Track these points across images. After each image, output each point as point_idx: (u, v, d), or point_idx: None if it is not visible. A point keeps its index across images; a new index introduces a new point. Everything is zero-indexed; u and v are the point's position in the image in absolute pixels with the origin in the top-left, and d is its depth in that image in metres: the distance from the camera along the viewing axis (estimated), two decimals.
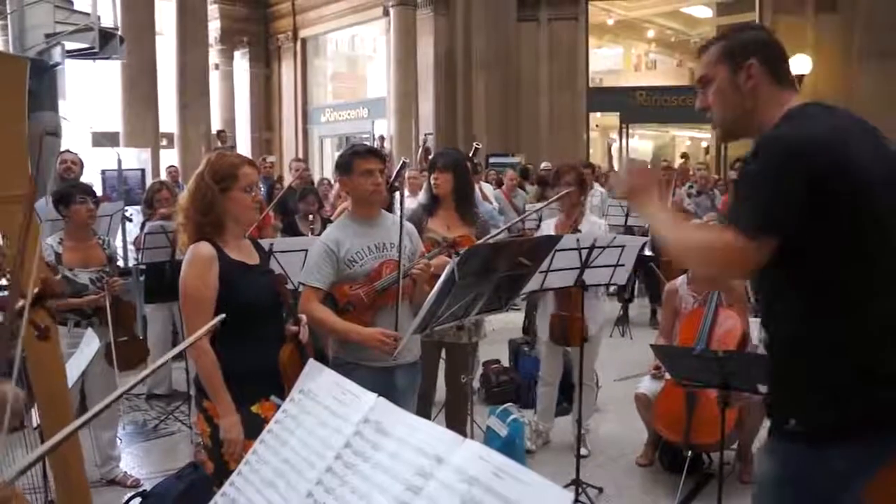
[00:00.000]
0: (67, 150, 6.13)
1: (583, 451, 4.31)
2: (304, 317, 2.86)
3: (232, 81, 20.93)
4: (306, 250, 3.50)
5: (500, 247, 2.96)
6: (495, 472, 0.98)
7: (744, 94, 1.98)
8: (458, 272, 2.52)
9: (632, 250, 3.99)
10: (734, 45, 2.00)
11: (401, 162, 4.15)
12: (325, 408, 1.31)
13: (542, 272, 3.56)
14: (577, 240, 3.78)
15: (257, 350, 2.69)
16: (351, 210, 3.28)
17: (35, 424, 2.76)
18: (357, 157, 3.17)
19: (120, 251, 5.77)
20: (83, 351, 3.14)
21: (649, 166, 2.23)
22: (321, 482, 1.18)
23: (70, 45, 9.22)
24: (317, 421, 1.30)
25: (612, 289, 8.73)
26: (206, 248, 2.66)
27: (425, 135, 11.82)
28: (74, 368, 3.02)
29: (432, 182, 3.95)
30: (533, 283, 3.54)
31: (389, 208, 3.64)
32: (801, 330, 1.90)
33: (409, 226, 3.25)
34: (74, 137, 10.15)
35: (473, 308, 2.84)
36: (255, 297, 2.71)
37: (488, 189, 8.12)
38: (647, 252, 7.87)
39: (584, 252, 3.77)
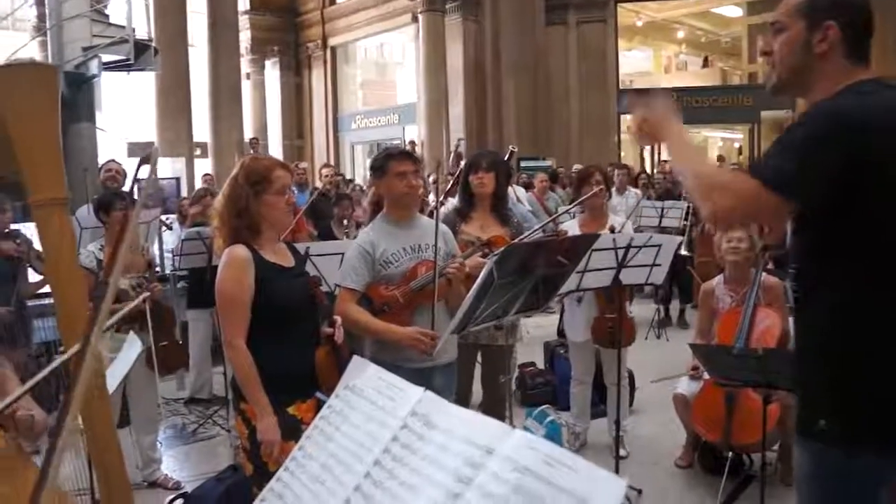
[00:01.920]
0: (112, 160, 6.22)
1: (621, 453, 4.28)
2: (339, 318, 2.88)
3: (263, 90, 21.17)
4: (342, 254, 3.52)
5: (539, 245, 2.96)
6: (546, 460, 0.98)
7: (812, 55, 1.86)
8: (497, 271, 2.52)
9: (668, 249, 3.96)
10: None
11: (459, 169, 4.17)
12: (370, 403, 1.32)
13: (578, 272, 3.55)
14: (614, 239, 3.76)
15: (293, 352, 2.72)
16: (386, 212, 3.30)
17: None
18: (391, 160, 3.19)
19: (157, 258, 5.86)
20: (126, 353, 3.18)
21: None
22: (369, 475, 1.19)
23: (106, 58, 9.39)
24: (363, 416, 1.31)
25: (646, 290, 8.75)
26: (241, 250, 2.68)
27: (458, 140, 11.83)
28: (118, 371, 3.07)
29: (475, 182, 3.95)
30: (570, 284, 3.53)
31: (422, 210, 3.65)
32: (831, 326, 1.85)
33: (443, 227, 3.25)
34: (110, 148, 10.30)
35: (512, 307, 2.84)
36: (290, 299, 2.74)
37: (521, 192, 8.11)
38: (683, 251, 7.84)
39: (621, 252, 3.75)
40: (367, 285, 3.12)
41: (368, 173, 11.60)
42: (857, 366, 1.82)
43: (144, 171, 1.66)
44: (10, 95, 1.84)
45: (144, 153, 1.64)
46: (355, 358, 1.40)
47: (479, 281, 2.59)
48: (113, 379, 3.02)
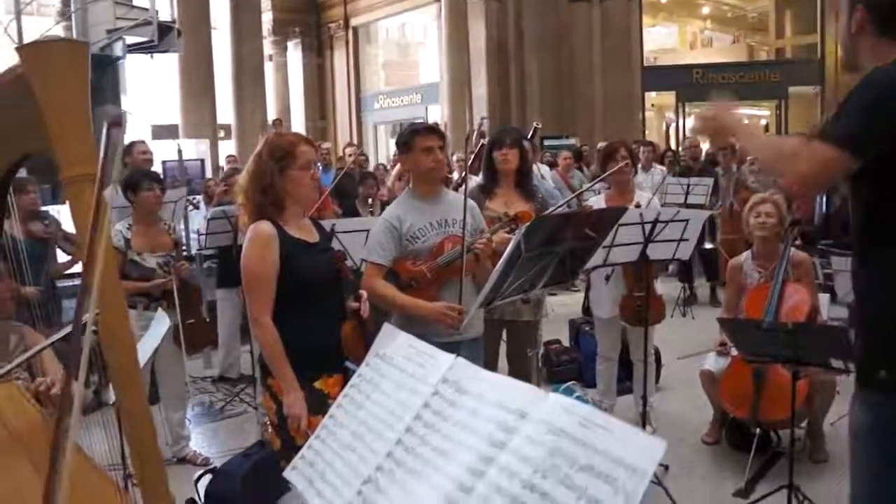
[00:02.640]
0: (143, 142, 6.27)
1: (647, 429, 4.26)
2: (364, 293, 2.88)
3: (286, 72, 21.19)
4: (368, 230, 3.52)
5: (567, 218, 2.94)
6: (582, 422, 0.98)
7: (851, 35, 2.00)
8: (525, 244, 2.50)
9: (696, 224, 3.91)
10: None
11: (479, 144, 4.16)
12: (401, 370, 1.32)
13: (605, 247, 3.52)
14: (641, 214, 3.72)
15: (319, 327, 2.72)
16: (412, 187, 3.29)
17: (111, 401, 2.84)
18: (417, 135, 3.17)
19: (184, 237, 5.89)
20: (154, 330, 3.21)
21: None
22: (401, 442, 1.19)
23: (130, 40, 9.45)
24: (394, 383, 1.31)
25: (671, 269, 8.69)
26: (266, 226, 2.69)
27: (481, 118, 11.76)
28: (147, 346, 3.10)
29: (499, 158, 3.93)
30: (596, 258, 3.51)
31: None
32: (891, 278, 1.89)
33: (470, 202, 3.24)
34: (135, 131, 10.38)
35: (539, 281, 2.82)
36: (315, 274, 2.74)
37: (545, 170, 8.06)
38: (707, 245, 7.78)
39: (648, 227, 3.72)
40: (393, 260, 3.12)
41: (392, 153, 11.61)
42: None
43: (116, 137, 1.66)
44: (42, 72, 1.85)
45: (115, 120, 1.63)
46: (385, 325, 1.40)
47: (506, 254, 2.58)
48: (142, 355, 3.05)
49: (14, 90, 1.90)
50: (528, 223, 2.69)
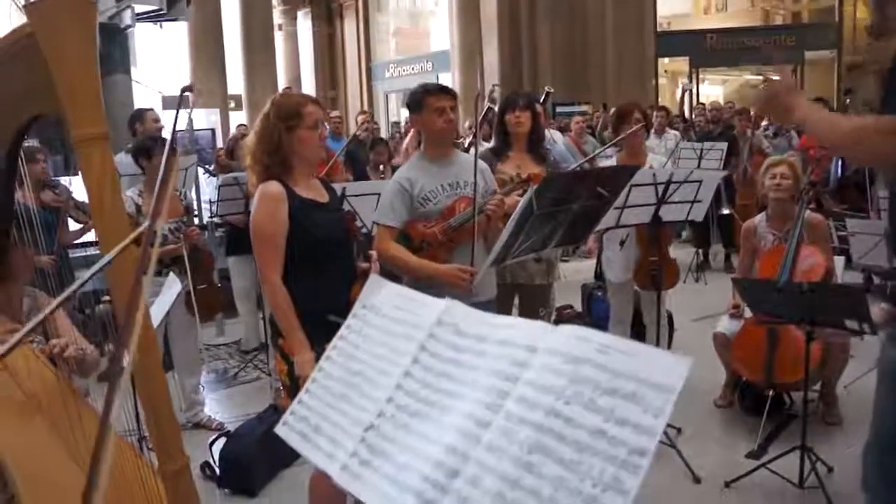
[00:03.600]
0: (152, 110, 6.25)
1: None
2: (374, 253, 2.87)
3: (296, 41, 21.05)
4: (378, 194, 3.50)
5: (579, 176, 2.91)
6: (600, 349, 0.96)
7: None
8: (537, 201, 2.48)
9: (709, 186, 3.86)
10: None
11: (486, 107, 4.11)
12: (391, 319, 1.30)
13: (617, 208, 3.49)
14: (654, 175, 3.68)
15: (329, 287, 2.71)
16: (423, 149, 3.26)
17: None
18: (429, 95, 3.13)
19: (194, 204, 5.89)
20: (165, 294, 3.22)
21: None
22: (400, 387, 1.18)
23: (139, 8, 9.37)
24: (384, 331, 1.29)
25: (684, 235, 8.65)
26: (274, 186, 2.67)
27: (493, 86, 11.66)
28: (159, 309, 3.11)
29: (512, 121, 3.89)
30: (609, 220, 3.47)
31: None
32: None
33: (482, 164, 3.21)
34: (146, 101, 10.35)
35: (551, 240, 2.80)
36: (325, 234, 2.73)
37: (557, 136, 7.99)
38: (725, 211, 7.73)
39: (661, 188, 3.67)
40: (405, 222, 3.10)
41: (403, 121, 11.54)
42: None
43: (182, 117, 1.64)
44: (49, 30, 1.82)
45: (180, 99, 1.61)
46: (372, 276, 1.39)
47: (518, 211, 2.55)
48: (154, 318, 3.06)
49: (22, 50, 1.88)
50: (540, 179, 2.66)
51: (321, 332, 2.68)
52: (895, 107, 1.82)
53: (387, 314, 1.32)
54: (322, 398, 1.30)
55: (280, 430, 1.35)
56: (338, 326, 2.67)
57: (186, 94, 1.55)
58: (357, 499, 1.13)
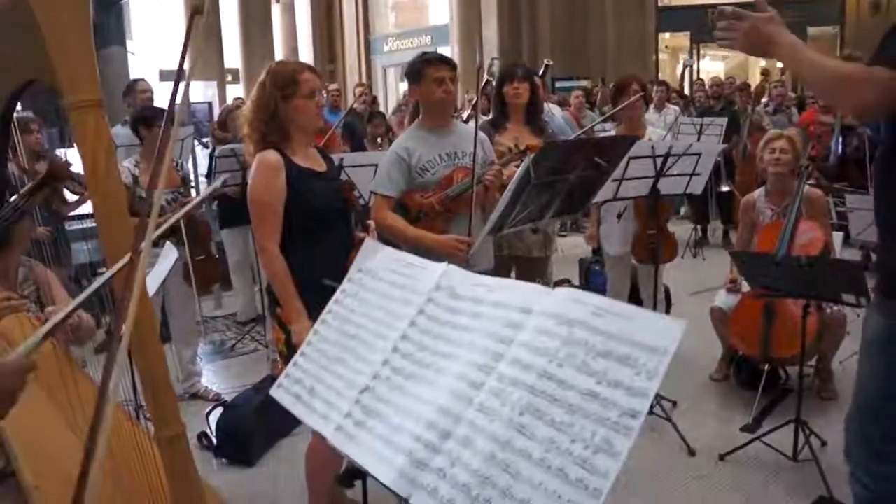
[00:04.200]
0: (142, 80, 6.19)
1: None
2: (372, 223, 2.85)
3: (293, 14, 20.83)
4: (376, 165, 3.48)
5: (577, 144, 2.89)
6: (595, 312, 0.96)
7: None
8: (534, 170, 2.46)
9: (708, 158, 3.84)
10: None
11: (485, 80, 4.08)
12: (388, 283, 1.30)
13: (615, 180, 3.47)
14: (653, 147, 3.65)
15: (327, 256, 2.70)
16: (421, 119, 3.24)
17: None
18: (428, 65, 3.11)
19: (191, 175, 5.85)
20: (162, 263, 3.21)
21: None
22: (397, 350, 1.18)
23: None
24: (381, 295, 1.29)
25: (682, 211, 8.64)
26: (272, 155, 2.65)
27: (492, 59, 11.60)
28: (156, 278, 3.10)
29: (510, 92, 3.87)
30: (606, 192, 3.46)
31: None
32: None
33: (481, 135, 3.19)
34: (142, 75, 10.28)
35: (548, 210, 2.79)
36: (323, 203, 2.71)
37: (556, 110, 7.94)
38: (724, 188, 7.71)
39: (659, 160, 3.65)
40: (402, 192, 3.09)
41: (402, 95, 11.44)
42: None
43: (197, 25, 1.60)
44: None
45: (197, 8, 1.57)
46: (367, 241, 1.38)
47: (515, 180, 2.54)
48: (151, 288, 3.05)
49: (15, 14, 1.85)
50: (538, 148, 2.64)
51: (318, 300, 2.68)
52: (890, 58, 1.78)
53: (384, 278, 1.32)
54: (317, 361, 1.30)
55: (275, 392, 1.35)
56: (333, 292, 2.68)
57: (196, 17, 1.50)
58: (350, 461, 1.13)
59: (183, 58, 1.36)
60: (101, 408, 0.91)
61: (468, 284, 1.16)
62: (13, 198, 1.84)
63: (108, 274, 1.40)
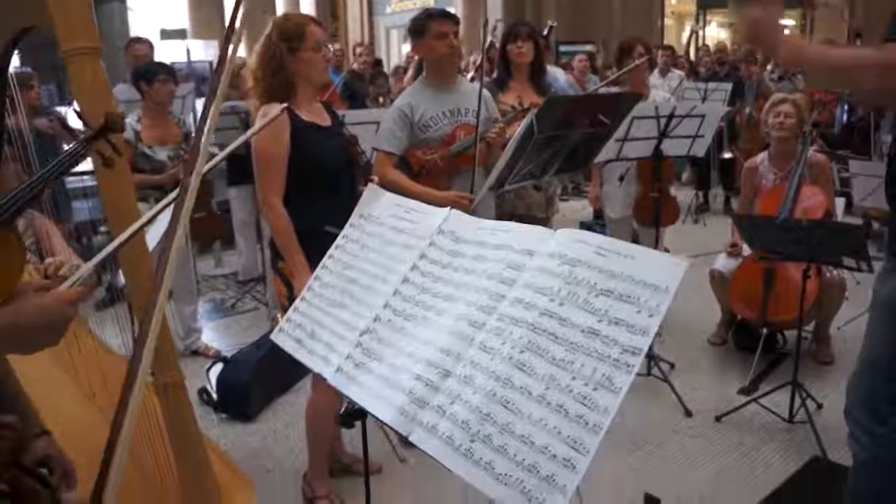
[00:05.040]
0: (138, 38, 6.12)
1: None
2: (376, 177, 2.84)
3: None
4: (377, 123, 3.46)
5: (581, 100, 2.86)
6: (597, 251, 0.96)
7: None
8: (538, 125, 2.44)
9: (712, 120, 3.82)
10: None
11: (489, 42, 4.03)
12: (390, 228, 1.29)
13: (618, 140, 3.45)
14: (657, 107, 3.63)
15: (330, 211, 2.69)
16: (425, 75, 3.21)
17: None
18: (431, 20, 3.08)
19: (193, 130, 5.80)
20: (164, 215, 3.19)
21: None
22: (398, 293, 1.18)
23: None
24: (383, 240, 1.29)
25: (683, 177, 8.62)
26: (277, 108, 2.63)
27: (496, 21, 11.46)
28: (156, 231, 3.09)
29: (514, 51, 3.83)
30: (609, 152, 3.44)
31: None
32: None
33: (484, 92, 3.17)
34: (143, 33, 10.17)
35: (550, 167, 2.77)
36: (327, 157, 2.70)
37: (559, 73, 7.88)
38: (726, 155, 7.67)
39: (663, 121, 3.63)
40: (404, 149, 3.07)
41: (404, 56, 11.33)
42: None
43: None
44: None
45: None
46: (370, 186, 1.37)
47: (518, 134, 2.52)
48: (152, 239, 3.05)
49: None
50: (542, 102, 2.61)
51: (321, 253, 2.68)
52: None
53: (385, 223, 1.31)
54: (318, 305, 1.30)
55: (276, 337, 1.35)
56: (335, 240, 2.67)
57: None
58: (349, 402, 1.13)
59: (234, 16, 1.33)
60: (127, 399, 0.92)
61: (471, 228, 1.16)
62: (70, 146, 1.84)
63: (150, 214, 1.39)
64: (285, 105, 2.39)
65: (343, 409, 1.21)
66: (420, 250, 1.20)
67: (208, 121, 1.10)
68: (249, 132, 1.95)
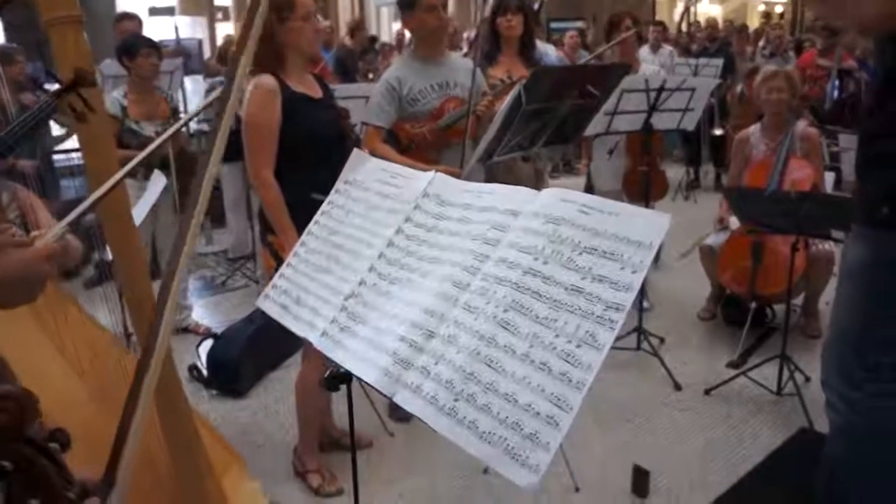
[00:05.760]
0: (126, 14, 6.05)
1: (644, 305, 4.28)
2: (367, 149, 2.82)
3: None
4: (367, 97, 3.44)
5: (569, 70, 2.85)
6: (581, 209, 0.96)
7: None
8: (526, 95, 2.43)
9: (702, 94, 3.80)
10: None
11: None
12: (375, 193, 1.29)
13: (608, 114, 3.44)
14: (646, 80, 3.61)
15: (321, 183, 2.67)
16: (414, 49, 3.19)
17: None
18: None
19: (181, 106, 5.75)
20: (151, 190, 3.18)
21: None
22: (383, 256, 1.17)
23: None
24: (368, 205, 1.28)
25: (675, 154, 8.61)
26: (268, 79, 2.61)
27: None
28: (143, 206, 3.07)
29: (503, 25, 3.80)
30: (599, 125, 3.43)
31: None
32: None
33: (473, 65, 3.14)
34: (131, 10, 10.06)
35: (539, 138, 2.76)
36: (318, 129, 2.68)
37: (550, 49, 7.82)
38: (717, 132, 7.66)
39: (653, 94, 3.61)
40: (393, 122, 3.06)
41: (394, 35, 11.26)
42: None
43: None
44: None
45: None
46: (355, 151, 1.36)
47: (506, 105, 2.51)
48: (138, 214, 3.03)
49: None
50: (530, 73, 2.59)
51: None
52: None
53: (371, 188, 1.30)
54: (304, 271, 1.30)
55: (261, 303, 1.35)
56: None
57: None
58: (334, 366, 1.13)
59: None
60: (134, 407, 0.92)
61: (456, 191, 1.15)
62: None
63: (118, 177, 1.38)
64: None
65: (328, 373, 1.21)
66: (405, 214, 1.19)
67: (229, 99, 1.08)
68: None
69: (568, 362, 0.87)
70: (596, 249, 0.92)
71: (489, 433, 0.88)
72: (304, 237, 1.36)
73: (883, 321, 1.95)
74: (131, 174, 4.11)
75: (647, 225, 0.90)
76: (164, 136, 1.77)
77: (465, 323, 0.97)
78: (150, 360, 0.97)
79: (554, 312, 0.91)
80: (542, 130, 2.69)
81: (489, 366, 0.92)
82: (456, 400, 0.93)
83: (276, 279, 1.35)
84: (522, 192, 1.05)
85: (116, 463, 0.93)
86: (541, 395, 0.88)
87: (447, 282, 1.04)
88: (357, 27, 7.92)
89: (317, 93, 2.77)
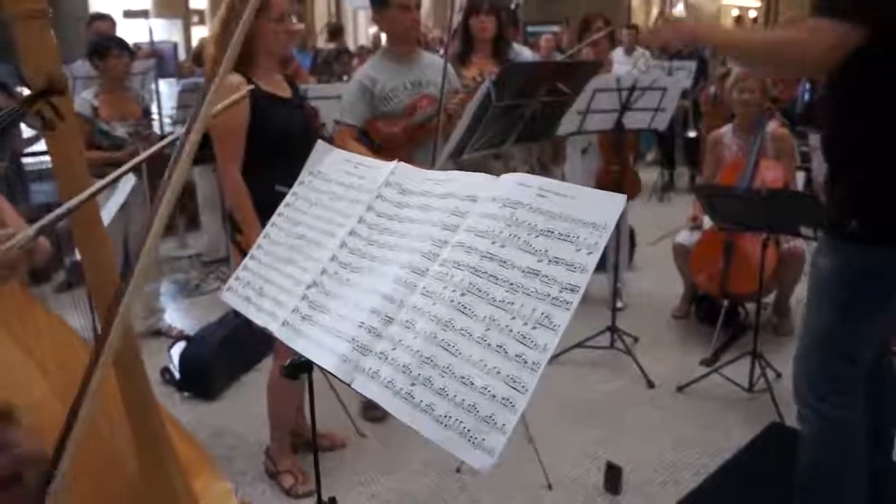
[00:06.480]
0: (100, 15, 5.99)
1: (618, 304, 4.30)
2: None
3: None
4: (340, 96, 3.43)
5: (538, 66, 2.85)
6: (539, 192, 0.96)
7: None
8: (495, 93, 2.43)
9: (673, 94, 3.83)
10: None
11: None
12: (338, 183, 1.29)
13: (580, 113, 3.45)
14: (618, 80, 3.64)
15: (289, 183, 2.66)
16: (386, 47, 3.19)
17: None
18: None
19: (154, 108, 5.69)
20: (119, 189, 3.15)
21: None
22: (345, 245, 1.17)
23: None
24: (331, 196, 1.28)
25: (648, 157, 8.68)
26: (235, 78, 2.59)
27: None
28: (111, 206, 3.04)
29: (476, 26, 3.81)
30: (571, 125, 3.44)
31: None
32: (868, 130, 1.87)
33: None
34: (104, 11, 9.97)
35: (509, 136, 2.76)
36: (287, 128, 2.67)
37: (526, 51, 7.85)
38: (691, 134, 7.73)
39: (625, 94, 3.64)
40: (365, 121, 3.05)
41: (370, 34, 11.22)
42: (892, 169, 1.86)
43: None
44: None
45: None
46: (319, 143, 1.36)
47: (475, 101, 2.51)
48: (107, 214, 3.01)
49: None
50: (499, 70, 2.60)
51: None
52: (831, 7, 1.76)
53: (334, 179, 1.30)
54: (267, 262, 1.29)
55: (225, 295, 1.34)
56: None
57: None
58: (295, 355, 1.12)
59: None
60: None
61: (417, 179, 1.16)
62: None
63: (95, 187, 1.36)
64: (251, 87, 2.36)
65: (288, 362, 1.20)
66: (367, 203, 1.19)
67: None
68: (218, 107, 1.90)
69: (524, 344, 0.87)
70: (552, 232, 0.92)
71: (445, 416, 0.88)
72: (267, 229, 1.36)
73: (845, 334, 2.01)
74: (102, 176, 4.08)
75: (603, 206, 0.91)
76: (153, 149, 1.74)
77: (424, 308, 0.97)
78: (104, 346, 0.95)
79: (511, 295, 0.91)
80: (513, 128, 2.69)
81: (446, 349, 0.92)
82: (413, 384, 0.92)
83: (239, 271, 1.35)
84: (482, 177, 1.06)
85: (59, 456, 0.91)
86: (497, 377, 0.88)
87: (407, 268, 1.04)
88: (337, 30, 7.91)
89: (285, 92, 2.77)
